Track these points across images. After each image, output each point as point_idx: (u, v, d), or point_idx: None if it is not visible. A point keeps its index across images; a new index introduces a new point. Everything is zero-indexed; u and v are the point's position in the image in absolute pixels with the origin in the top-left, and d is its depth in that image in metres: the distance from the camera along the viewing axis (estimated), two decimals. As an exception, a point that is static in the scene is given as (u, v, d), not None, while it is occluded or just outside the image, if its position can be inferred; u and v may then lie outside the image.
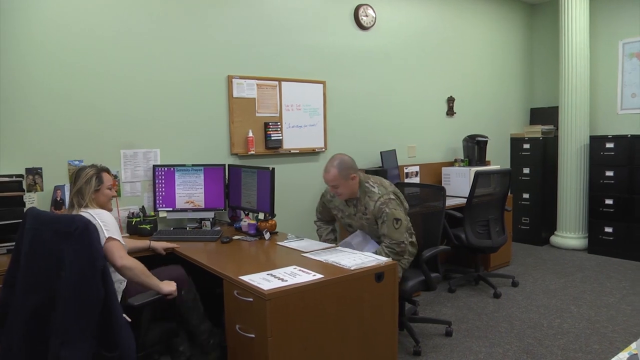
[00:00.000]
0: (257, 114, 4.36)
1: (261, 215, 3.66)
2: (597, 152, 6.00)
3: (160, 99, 3.87)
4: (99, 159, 3.57)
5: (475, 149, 5.82)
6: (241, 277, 2.44)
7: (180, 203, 3.84)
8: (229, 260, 2.95)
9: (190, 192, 3.85)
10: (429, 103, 5.86)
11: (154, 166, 3.80)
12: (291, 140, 4.59)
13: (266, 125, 4.39)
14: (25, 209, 2.83)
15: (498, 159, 6.60)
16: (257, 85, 4.34)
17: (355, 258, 2.73)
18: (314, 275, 2.45)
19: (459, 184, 5.52)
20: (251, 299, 2.31)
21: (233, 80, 4.20)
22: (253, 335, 2.32)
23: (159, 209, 3.81)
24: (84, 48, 3.51)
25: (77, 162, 3.50)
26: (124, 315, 2.37)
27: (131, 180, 3.78)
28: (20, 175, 3.20)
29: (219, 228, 3.80)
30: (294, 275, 2.45)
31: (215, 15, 4.10)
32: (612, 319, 4.04)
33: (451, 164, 5.96)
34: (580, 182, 6.17)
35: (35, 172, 3.34)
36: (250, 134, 4.29)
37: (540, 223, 6.58)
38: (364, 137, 5.16)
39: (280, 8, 4.48)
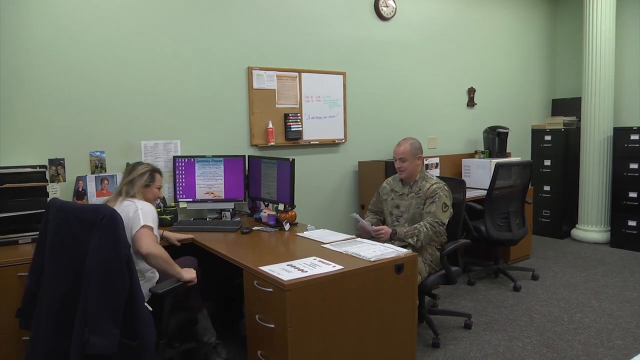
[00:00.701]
0: (277, 105, 4.37)
1: (281, 206, 3.67)
2: (621, 143, 5.88)
3: (181, 90, 3.89)
4: (120, 150, 3.63)
5: (495, 140, 5.76)
6: (261, 268, 2.45)
7: (200, 194, 3.86)
8: (249, 250, 2.96)
9: (210, 183, 3.87)
10: (450, 94, 5.81)
11: (175, 157, 3.82)
12: (311, 131, 4.59)
13: (286, 116, 4.40)
14: (48, 199, 2.89)
15: (519, 151, 6.52)
16: (277, 76, 4.34)
17: (375, 249, 2.72)
18: (334, 266, 2.45)
19: (479, 175, 5.47)
20: (271, 290, 2.32)
21: (253, 71, 4.20)
22: (273, 326, 2.33)
23: (180, 200, 3.84)
24: (107, 40, 3.54)
25: (98, 153, 3.54)
26: (146, 304, 2.41)
27: (152, 170, 3.81)
28: (44, 166, 3.25)
29: (238, 219, 3.82)
30: (314, 266, 2.45)
31: (236, 6, 4.10)
32: (636, 314, 3.98)
33: (471, 155, 5.90)
34: (603, 174, 6.07)
35: (57, 163, 3.39)
36: (270, 125, 4.30)
37: (561, 216, 6.49)
38: (384, 129, 5.14)
39: (300, -1, 4.48)
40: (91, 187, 3.47)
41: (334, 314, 2.36)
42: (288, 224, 3.50)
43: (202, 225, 3.59)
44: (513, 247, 5.21)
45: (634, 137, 5.77)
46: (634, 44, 6.15)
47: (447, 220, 3.41)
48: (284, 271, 2.38)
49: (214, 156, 3.88)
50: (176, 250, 3.15)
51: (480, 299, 4.39)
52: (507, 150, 5.89)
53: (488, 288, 4.66)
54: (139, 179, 2.87)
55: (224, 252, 2.86)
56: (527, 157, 6.71)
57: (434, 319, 3.74)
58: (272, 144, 4.31)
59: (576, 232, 6.39)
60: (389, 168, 4.49)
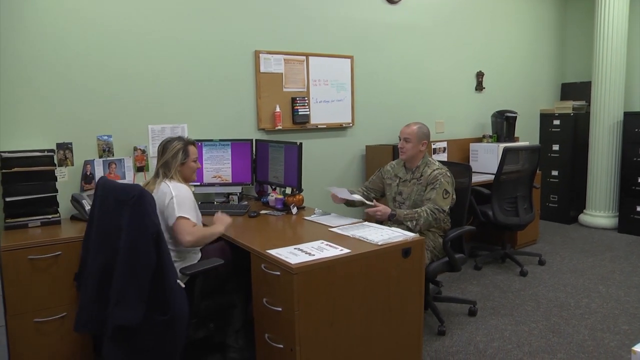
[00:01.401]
0: (284, 89, 4.35)
1: (288, 190, 3.68)
2: (631, 128, 5.83)
3: (188, 74, 3.88)
4: (127, 134, 3.63)
5: (504, 124, 5.72)
6: (268, 251, 2.46)
7: (207, 178, 3.87)
8: (256, 234, 2.97)
9: (217, 167, 3.87)
10: (458, 78, 5.77)
11: (182, 141, 3.82)
12: (318, 115, 4.57)
13: (293, 100, 4.38)
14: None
15: (527, 135, 6.47)
16: (284, 60, 4.32)
17: (383, 233, 2.72)
18: (341, 250, 2.45)
19: (487, 160, 5.44)
20: (278, 273, 2.33)
21: (260, 55, 4.18)
22: (280, 309, 2.34)
23: (187, 184, 3.85)
24: (114, 24, 3.52)
25: (105, 137, 3.54)
26: (178, 281, 2.49)
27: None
28: (52, 150, 3.26)
29: (246, 202, 3.83)
30: (321, 250, 2.46)
31: (242, -12, 4.08)
32: (642, 299, 3.98)
33: (479, 140, 5.87)
34: (612, 159, 6.03)
35: (65, 147, 3.40)
36: (278, 109, 4.29)
37: (569, 201, 6.47)
38: (391, 113, 5.11)
39: (307, -19, 4.43)
40: (99, 171, 3.48)
41: (341, 297, 2.36)
42: (295, 208, 3.50)
43: (209, 209, 3.59)
44: (520, 232, 5.20)
45: (644, 121, 5.72)
46: (646, 27, 6.07)
47: (448, 207, 3.33)
48: (291, 255, 2.39)
49: (221, 140, 3.88)
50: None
51: (487, 283, 4.39)
52: (516, 135, 5.85)
53: (495, 273, 4.67)
54: (173, 160, 2.82)
55: (231, 236, 2.87)
56: (536, 141, 6.66)
57: (439, 305, 3.74)
58: (280, 128, 4.30)
59: (584, 218, 6.36)
60: (396, 152, 4.47)
